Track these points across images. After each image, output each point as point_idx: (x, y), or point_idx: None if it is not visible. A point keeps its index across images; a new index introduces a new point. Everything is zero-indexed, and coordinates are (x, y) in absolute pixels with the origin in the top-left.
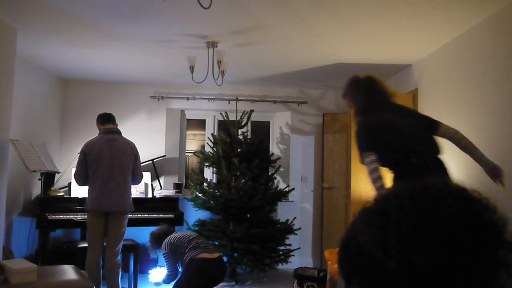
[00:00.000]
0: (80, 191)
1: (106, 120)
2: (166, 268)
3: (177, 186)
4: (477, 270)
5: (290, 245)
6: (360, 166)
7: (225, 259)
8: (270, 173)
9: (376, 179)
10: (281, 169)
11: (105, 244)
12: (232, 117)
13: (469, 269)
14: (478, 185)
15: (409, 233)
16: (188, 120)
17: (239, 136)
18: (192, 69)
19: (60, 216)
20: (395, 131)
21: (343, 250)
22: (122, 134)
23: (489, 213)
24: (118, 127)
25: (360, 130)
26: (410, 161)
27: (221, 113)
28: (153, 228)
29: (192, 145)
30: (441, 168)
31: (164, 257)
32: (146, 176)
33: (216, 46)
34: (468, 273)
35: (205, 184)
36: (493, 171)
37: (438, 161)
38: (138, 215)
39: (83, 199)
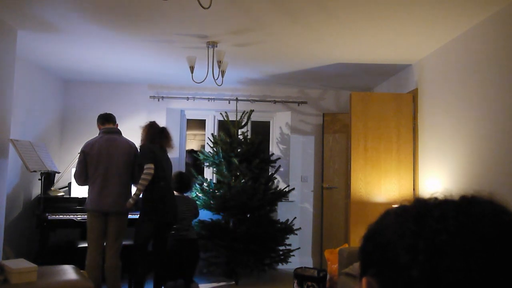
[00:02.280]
0: (80, 191)
1: (107, 120)
2: None
3: None
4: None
5: (290, 245)
6: (360, 166)
7: (225, 259)
8: (270, 173)
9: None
10: (281, 169)
11: (105, 244)
12: (232, 117)
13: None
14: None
15: (442, 245)
16: (188, 120)
17: (239, 136)
18: (192, 69)
19: (60, 216)
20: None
21: (368, 239)
22: (123, 134)
23: None
24: (118, 127)
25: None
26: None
27: (221, 113)
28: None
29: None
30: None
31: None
32: None
33: (216, 46)
34: None
35: (205, 184)
36: None
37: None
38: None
39: (83, 199)
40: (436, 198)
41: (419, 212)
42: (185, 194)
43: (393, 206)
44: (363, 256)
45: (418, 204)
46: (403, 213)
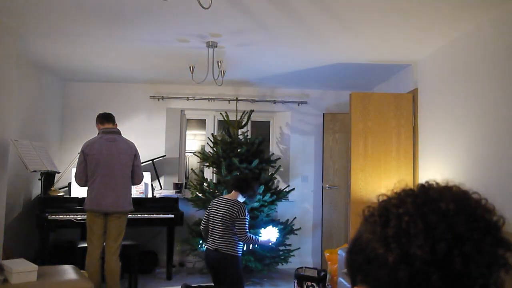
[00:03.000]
0: (80, 191)
1: (106, 119)
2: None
3: (177, 186)
4: (475, 265)
5: (290, 245)
6: (360, 166)
7: None
8: (270, 173)
9: None
10: (281, 169)
11: (105, 244)
12: (232, 117)
13: (467, 264)
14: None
15: (407, 227)
16: (188, 120)
17: (239, 136)
18: (192, 69)
19: (60, 216)
20: None
21: (350, 250)
22: (122, 134)
23: (487, 212)
24: (117, 127)
25: None
26: None
27: (221, 113)
28: (152, 228)
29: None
30: None
31: (247, 219)
32: (146, 176)
33: (216, 46)
34: (466, 268)
35: (205, 184)
36: None
37: None
38: (138, 215)
39: (83, 199)
40: (396, 192)
41: (382, 206)
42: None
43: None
44: (350, 268)
45: (381, 200)
46: (370, 213)
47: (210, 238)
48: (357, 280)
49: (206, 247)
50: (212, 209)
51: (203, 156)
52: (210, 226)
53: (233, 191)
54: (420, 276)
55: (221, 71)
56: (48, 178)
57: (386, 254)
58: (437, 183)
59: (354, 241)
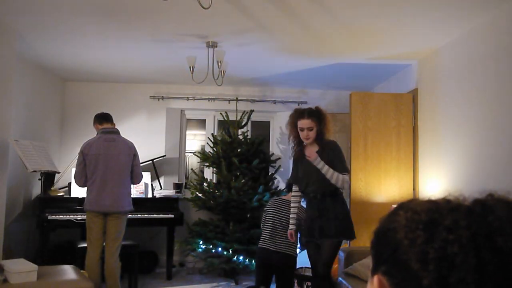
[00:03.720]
0: (80, 191)
1: (104, 120)
2: None
3: (177, 186)
4: None
5: None
6: (360, 166)
7: (225, 259)
8: (270, 173)
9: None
10: (281, 169)
11: (104, 244)
12: (232, 117)
13: None
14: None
15: (453, 257)
16: (188, 120)
17: (239, 136)
18: (192, 69)
19: (60, 216)
20: None
21: (379, 236)
22: (122, 134)
23: None
24: (116, 127)
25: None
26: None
27: (221, 113)
28: (152, 228)
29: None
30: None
31: None
32: (146, 176)
33: (216, 46)
34: None
35: (205, 184)
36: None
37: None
38: (138, 215)
39: (83, 199)
40: (448, 201)
41: (430, 218)
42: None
43: (404, 202)
44: (374, 252)
45: (430, 208)
46: (414, 217)
47: (269, 239)
48: (379, 270)
49: (264, 247)
50: (270, 210)
51: (203, 156)
52: (269, 227)
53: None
54: None
55: (221, 71)
56: (48, 178)
57: (420, 272)
58: (498, 201)
59: (385, 230)
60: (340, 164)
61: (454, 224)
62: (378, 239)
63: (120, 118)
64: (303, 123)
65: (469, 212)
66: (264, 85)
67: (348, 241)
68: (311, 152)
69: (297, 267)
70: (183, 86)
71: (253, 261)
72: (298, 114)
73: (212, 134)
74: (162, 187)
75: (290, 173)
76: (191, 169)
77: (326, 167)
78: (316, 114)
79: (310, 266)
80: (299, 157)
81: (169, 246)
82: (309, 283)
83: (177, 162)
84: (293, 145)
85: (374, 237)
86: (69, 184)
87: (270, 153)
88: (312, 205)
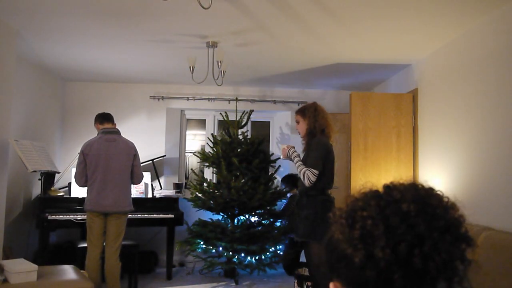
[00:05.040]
0: (80, 191)
1: (105, 119)
2: None
3: (177, 186)
4: (433, 263)
5: None
6: (360, 166)
7: (225, 259)
8: (270, 173)
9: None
10: (281, 169)
11: (104, 244)
12: (232, 117)
13: (426, 262)
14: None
15: (371, 229)
16: (188, 120)
17: (239, 136)
18: (192, 69)
19: (60, 216)
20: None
21: (326, 247)
22: (122, 134)
23: (447, 210)
24: (117, 127)
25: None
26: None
27: (221, 113)
28: (152, 228)
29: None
30: None
31: None
32: (146, 176)
33: (216, 46)
34: (425, 266)
35: (205, 184)
36: None
37: None
38: (138, 215)
39: (83, 199)
40: (363, 192)
41: (350, 208)
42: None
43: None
44: (328, 264)
45: (349, 202)
46: (340, 216)
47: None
48: (333, 276)
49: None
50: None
51: (203, 156)
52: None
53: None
54: (385, 275)
55: (221, 71)
56: (48, 178)
57: (353, 254)
58: (401, 183)
59: (327, 241)
60: (309, 159)
61: (366, 204)
62: (326, 251)
63: (120, 118)
64: (295, 118)
65: (376, 192)
66: (264, 85)
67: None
68: (284, 149)
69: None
70: (183, 86)
71: (254, 261)
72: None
73: (212, 134)
74: (162, 187)
75: None
76: (191, 169)
77: (296, 161)
78: (301, 110)
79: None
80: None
81: (169, 246)
82: (309, 283)
83: (177, 162)
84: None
85: (326, 254)
86: (69, 184)
87: (270, 153)
88: (297, 205)
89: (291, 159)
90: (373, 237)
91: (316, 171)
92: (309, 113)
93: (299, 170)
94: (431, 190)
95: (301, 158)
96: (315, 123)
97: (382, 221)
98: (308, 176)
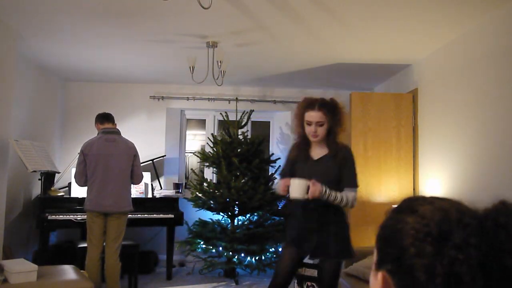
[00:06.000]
0: (80, 191)
1: (105, 119)
2: None
3: (177, 186)
4: None
5: None
6: (360, 166)
7: (225, 259)
8: (270, 173)
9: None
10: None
11: (104, 244)
12: (232, 117)
13: None
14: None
15: (461, 275)
16: (188, 120)
17: (239, 136)
18: (192, 69)
19: (60, 216)
20: None
21: (386, 233)
22: (122, 134)
23: None
24: (117, 127)
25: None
26: None
27: (221, 113)
28: (152, 228)
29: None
30: None
31: None
32: (146, 176)
33: (216, 46)
34: None
35: (205, 184)
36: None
37: None
38: (138, 215)
39: (83, 199)
40: (459, 212)
41: (440, 232)
42: None
43: (412, 201)
44: (380, 247)
45: (440, 219)
46: (423, 227)
47: None
48: (383, 267)
49: None
50: None
51: (203, 156)
52: None
53: None
54: None
55: (221, 71)
56: (48, 178)
57: (427, 284)
58: (510, 215)
59: (392, 230)
60: (353, 178)
61: (464, 243)
62: (385, 236)
63: (120, 118)
64: (312, 115)
65: (480, 229)
66: (264, 85)
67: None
68: (315, 189)
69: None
70: (183, 86)
71: (254, 261)
72: (307, 104)
73: (212, 134)
74: (162, 187)
75: (281, 173)
76: (191, 169)
77: (338, 197)
78: (330, 107)
79: (309, 264)
80: (301, 156)
81: (169, 246)
82: (309, 283)
83: (177, 162)
84: (296, 141)
85: (381, 231)
86: (69, 184)
87: (270, 153)
88: (308, 217)
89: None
90: (461, 283)
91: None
92: (338, 111)
93: (343, 201)
94: None
95: (329, 177)
96: (338, 124)
97: (481, 272)
98: (356, 198)
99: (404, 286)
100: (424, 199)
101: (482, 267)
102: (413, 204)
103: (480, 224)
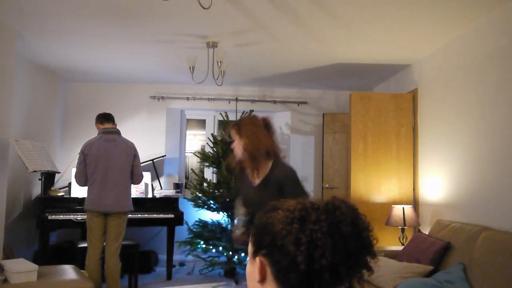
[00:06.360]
0: (80, 191)
1: (106, 119)
2: None
3: (177, 186)
4: (352, 270)
5: None
6: (360, 166)
7: (225, 259)
8: None
9: None
10: None
11: (104, 244)
12: (232, 117)
13: (348, 270)
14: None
15: (317, 240)
16: (188, 120)
17: None
18: (192, 69)
19: (60, 216)
20: None
21: (260, 228)
22: (122, 134)
23: (369, 232)
24: (117, 127)
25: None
26: None
27: (221, 113)
28: (152, 228)
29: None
30: None
31: None
32: (146, 176)
33: (216, 46)
34: (348, 272)
35: (205, 184)
36: None
37: None
38: (138, 215)
39: (83, 199)
40: (311, 203)
41: (301, 215)
42: None
43: (276, 204)
44: (255, 239)
45: (300, 208)
46: (289, 214)
47: None
48: (259, 253)
49: None
50: None
51: (203, 156)
52: None
53: None
54: (316, 272)
55: (221, 71)
56: (48, 178)
57: (295, 252)
58: (342, 203)
59: (265, 224)
60: (291, 195)
61: (317, 219)
62: (259, 230)
63: (120, 118)
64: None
65: (325, 209)
66: (264, 85)
67: None
68: (238, 237)
69: None
70: (183, 86)
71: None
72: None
73: (212, 134)
74: (162, 187)
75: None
76: (191, 169)
77: None
78: (236, 125)
79: None
80: (244, 180)
81: (169, 246)
82: None
83: (177, 162)
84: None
85: (254, 229)
86: (69, 184)
87: None
88: None
89: None
90: (317, 246)
91: None
92: (241, 129)
93: None
94: (358, 212)
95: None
96: (250, 146)
97: (329, 236)
98: None
99: (277, 261)
100: (280, 202)
101: (329, 233)
102: (275, 205)
103: (325, 207)
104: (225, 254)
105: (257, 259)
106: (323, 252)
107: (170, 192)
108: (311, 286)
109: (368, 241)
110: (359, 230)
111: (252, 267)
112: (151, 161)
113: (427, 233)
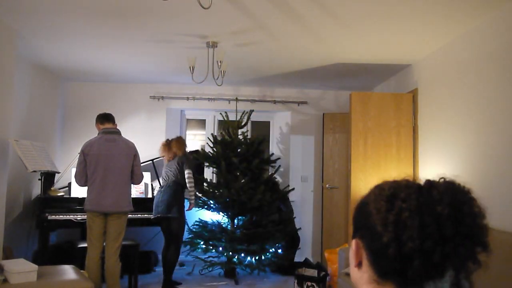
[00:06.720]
0: (80, 191)
1: (106, 119)
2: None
3: None
4: (450, 261)
5: None
6: (360, 166)
7: (225, 259)
8: (270, 173)
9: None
10: (281, 169)
11: (104, 244)
12: (232, 117)
13: (444, 259)
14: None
15: (405, 220)
16: (188, 120)
17: (239, 136)
18: (192, 69)
19: (60, 216)
20: None
21: (358, 209)
22: (122, 134)
23: (476, 218)
24: (117, 127)
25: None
26: None
27: (221, 113)
28: (152, 228)
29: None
30: None
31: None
32: (146, 176)
33: (216, 46)
34: (443, 261)
35: (205, 184)
36: None
37: None
38: (138, 215)
39: (83, 199)
40: (406, 181)
41: (391, 193)
42: None
43: (377, 184)
44: (354, 221)
45: (391, 186)
46: (380, 192)
47: None
48: (356, 235)
49: None
50: None
51: (203, 156)
52: None
53: None
54: (405, 257)
55: (221, 71)
56: (48, 178)
57: (382, 232)
58: (443, 182)
59: (362, 204)
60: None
61: (407, 197)
62: (356, 212)
63: (120, 118)
64: None
65: (419, 188)
66: (264, 85)
67: None
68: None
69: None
70: (183, 86)
71: (254, 261)
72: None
73: (212, 134)
74: None
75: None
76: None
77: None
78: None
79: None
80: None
81: None
82: (309, 283)
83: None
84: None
85: (354, 210)
86: (69, 184)
87: (270, 153)
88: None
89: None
90: (405, 227)
91: None
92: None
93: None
94: (467, 195)
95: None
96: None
97: (418, 216)
98: None
99: (369, 243)
100: (385, 180)
101: (419, 213)
102: (376, 184)
103: (419, 186)
104: (225, 254)
105: (354, 241)
106: (411, 233)
107: None
108: (404, 275)
109: (475, 229)
110: (462, 214)
111: (351, 250)
112: (151, 161)
113: None
